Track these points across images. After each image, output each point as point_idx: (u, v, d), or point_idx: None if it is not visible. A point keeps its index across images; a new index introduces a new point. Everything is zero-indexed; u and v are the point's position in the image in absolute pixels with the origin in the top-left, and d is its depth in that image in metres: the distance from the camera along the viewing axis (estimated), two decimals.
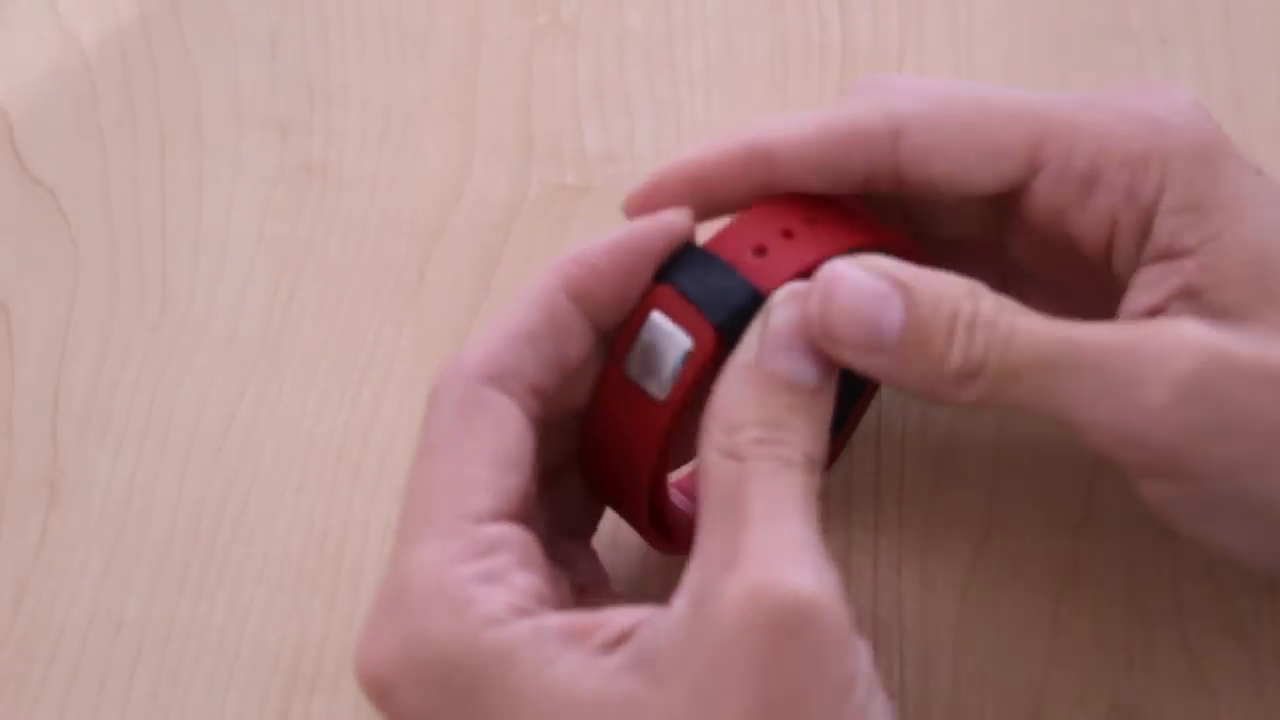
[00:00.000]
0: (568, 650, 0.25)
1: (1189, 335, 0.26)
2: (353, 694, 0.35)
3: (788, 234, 0.29)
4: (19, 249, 0.40)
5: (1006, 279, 0.33)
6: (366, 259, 0.40)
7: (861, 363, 0.27)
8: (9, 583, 0.36)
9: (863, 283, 0.27)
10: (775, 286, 0.28)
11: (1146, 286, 0.28)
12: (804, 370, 0.27)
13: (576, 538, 0.32)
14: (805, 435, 0.27)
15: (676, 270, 0.29)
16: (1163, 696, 0.34)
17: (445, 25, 0.43)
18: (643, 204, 0.30)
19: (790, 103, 0.42)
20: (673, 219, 0.29)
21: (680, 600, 0.25)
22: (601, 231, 0.40)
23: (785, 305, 0.27)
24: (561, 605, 0.27)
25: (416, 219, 0.41)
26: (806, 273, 0.28)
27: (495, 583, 0.26)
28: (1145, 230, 0.29)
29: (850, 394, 0.34)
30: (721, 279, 0.28)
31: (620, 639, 0.26)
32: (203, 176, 0.41)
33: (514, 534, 0.27)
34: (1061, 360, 0.26)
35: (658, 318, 0.28)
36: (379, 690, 0.26)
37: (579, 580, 0.30)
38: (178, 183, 0.41)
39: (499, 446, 0.28)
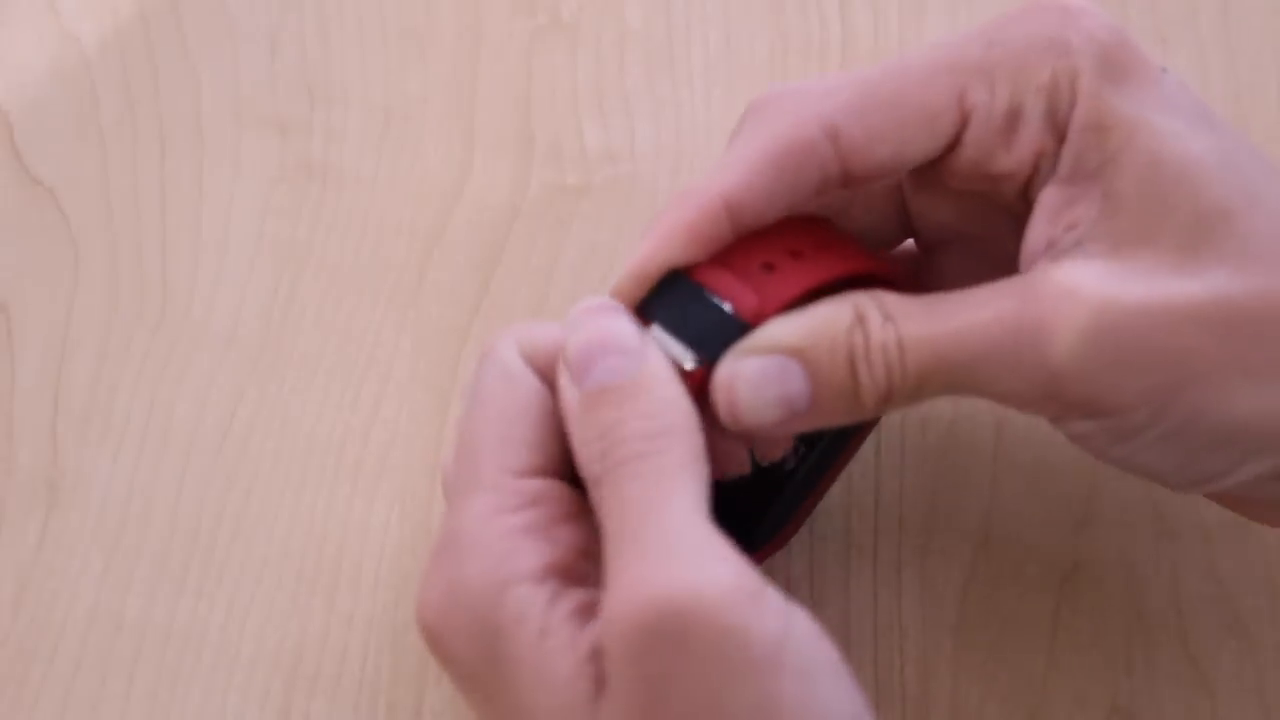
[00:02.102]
0: (567, 626, 0.26)
1: (1073, 287, 0.27)
2: (353, 694, 0.35)
3: (795, 254, 0.29)
4: (19, 249, 0.40)
5: (920, 266, 0.33)
6: (366, 259, 0.40)
7: (784, 431, 0.28)
8: (9, 583, 0.36)
9: (759, 370, 0.27)
10: (781, 306, 0.28)
11: (1047, 216, 0.29)
12: (612, 369, 0.27)
13: None
14: (646, 421, 0.27)
15: (660, 305, 0.29)
16: (1163, 696, 0.34)
17: (445, 25, 0.43)
18: (631, 296, 0.30)
19: None
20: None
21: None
22: (601, 231, 0.40)
23: (573, 334, 0.28)
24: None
25: (416, 219, 0.41)
26: (815, 290, 0.28)
27: (536, 536, 0.27)
28: (1060, 151, 0.29)
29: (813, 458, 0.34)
30: (705, 312, 0.28)
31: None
32: (203, 176, 0.41)
33: (556, 488, 0.28)
34: (956, 354, 0.27)
35: (658, 333, 0.29)
36: (430, 637, 0.28)
37: None
38: (178, 183, 0.41)
39: (544, 405, 0.29)
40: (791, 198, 0.29)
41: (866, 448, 0.36)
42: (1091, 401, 0.27)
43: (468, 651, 0.27)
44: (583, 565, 0.27)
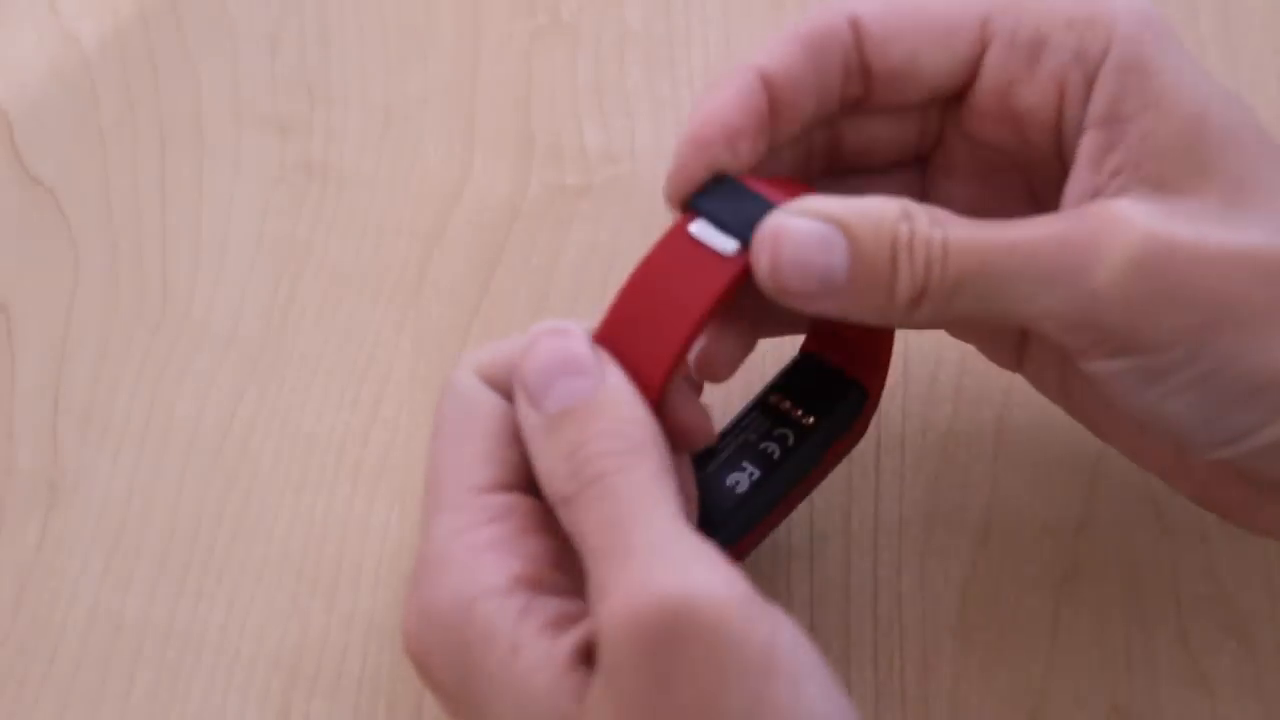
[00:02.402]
0: (541, 639, 0.26)
1: (1125, 216, 0.27)
2: (353, 694, 0.35)
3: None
4: (19, 249, 0.40)
5: (925, 194, 0.33)
6: (366, 259, 0.40)
7: (814, 307, 0.28)
8: (9, 583, 0.36)
9: (805, 231, 0.27)
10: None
11: (1089, 164, 0.29)
12: (571, 391, 0.27)
13: None
14: (613, 439, 0.27)
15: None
16: (1163, 696, 0.34)
17: (445, 25, 0.43)
18: (686, 180, 0.30)
19: None
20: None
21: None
22: (601, 231, 0.40)
23: (528, 357, 0.28)
24: (578, 568, 0.27)
25: (416, 219, 0.41)
26: None
27: (501, 550, 0.27)
28: (1092, 92, 0.29)
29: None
30: (751, 206, 0.29)
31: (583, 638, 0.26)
32: (203, 176, 0.41)
33: (521, 502, 0.28)
34: (1001, 262, 0.27)
35: (702, 226, 0.29)
36: (416, 663, 0.27)
37: None
38: (178, 183, 0.41)
39: (501, 423, 0.28)
40: (820, 80, 0.30)
41: (867, 449, 0.36)
42: (1129, 333, 0.27)
43: (445, 673, 0.27)
44: (553, 576, 0.27)
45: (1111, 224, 0.27)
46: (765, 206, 0.28)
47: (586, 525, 0.26)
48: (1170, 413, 0.28)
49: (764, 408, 0.34)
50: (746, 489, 0.32)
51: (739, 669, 0.24)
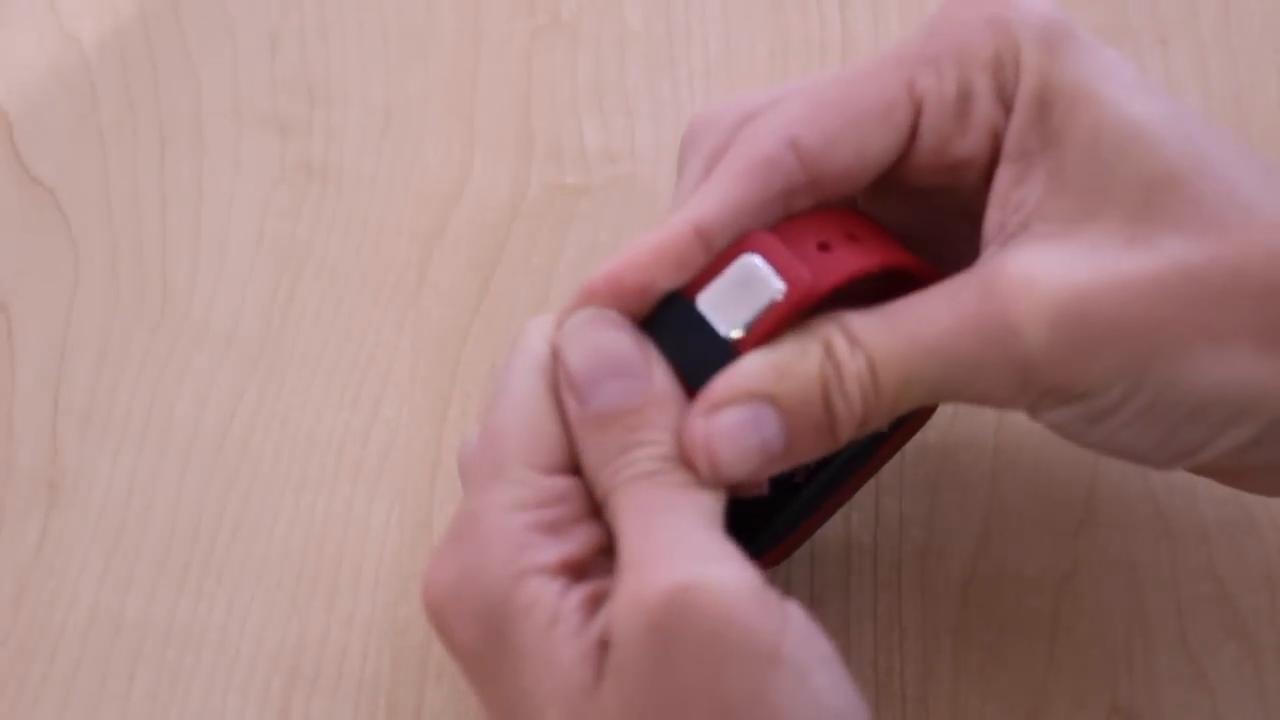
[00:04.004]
0: (576, 614, 0.26)
1: (1028, 277, 0.26)
2: (353, 694, 0.35)
3: (851, 237, 0.29)
4: (19, 249, 0.40)
5: None
6: (366, 259, 0.40)
7: (758, 476, 0.28)
8: (9, 583, 0.36)
9: (734, 423, 0.27)
10: (837, 282, 0.28)
11: (998, 201, 0.28)
12: (620, 391, 0.28)
13: None
14: (656, 445, 0.27)
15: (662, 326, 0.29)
16: (1163, 696, 0.34)
17: (445, 25, 0.43)
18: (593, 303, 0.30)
19: None
20: None
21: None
22: (601, 231, 0.40)
23: (575, 347, 0.28)
24: None
25: (416, 219, 0.41)
26: (865, 274, 0.28)
27: (555, 533, 0.27)
28: (1007, 130, 0.29)
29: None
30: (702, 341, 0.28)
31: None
32: (203, 176, 0.41)
33: (576, 488, 0.28)
34: (926, 368, 0.27)
35: (753, 259, 0.28)
36: (434, 614, 0.28)
37: None
38: (178, 183, 0.41)
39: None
40: (762, 215, 0.29)
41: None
42: (1065, 387, 0.27)
43: (474, 634, 0.27)
44: (599, 561, 0.27)
45: (1017, 291, 0.26)
46: (719, 345, 0.28)
47: (621, 523, 0.27)
48: (1122, 442, 0.28)
49: None
50: (803, 479, 0.32)
51: (742, 655, 0.25)
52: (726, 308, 0.28)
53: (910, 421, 0.33)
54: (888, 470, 0.36)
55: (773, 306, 0.28)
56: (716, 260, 0.28)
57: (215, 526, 0.37)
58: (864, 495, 0.36)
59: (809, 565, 0.36)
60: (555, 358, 0.29)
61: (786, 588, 0.35)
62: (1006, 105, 0.29)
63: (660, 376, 0.28)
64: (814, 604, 0.35)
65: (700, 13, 0.43)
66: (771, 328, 0.27)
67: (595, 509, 0.28)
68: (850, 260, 0.28)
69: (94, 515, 0.37)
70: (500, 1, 0.43)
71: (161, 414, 0.38)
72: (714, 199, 0.29)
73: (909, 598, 0.35)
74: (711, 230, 0.28)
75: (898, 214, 0.31)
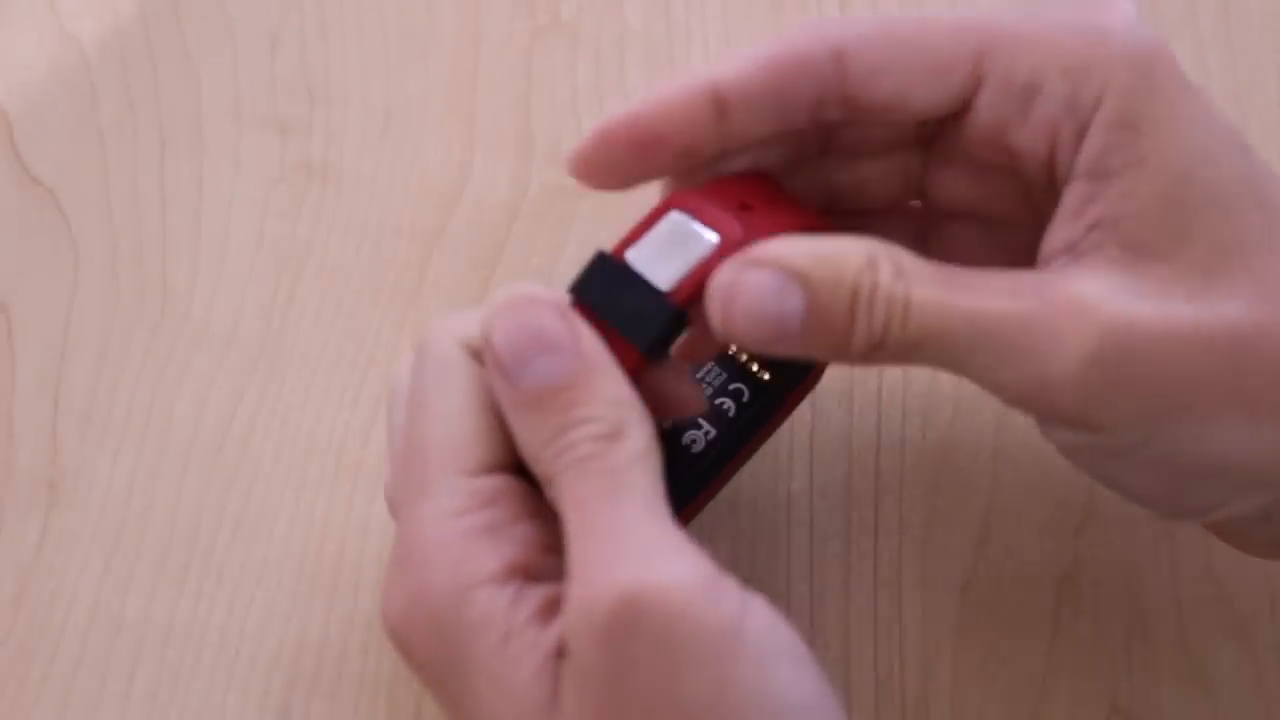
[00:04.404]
0: (530, 628, 0.26)
1: (1089, 304, 0.26)
2: (353, 694, 0.35)
3: (771, 200, 0.29)
4: (19, 249, 0.40)
5: (926, 232, 0.32)
6: (366, 259, 0.40)
7: (767, 351, 0.27)
8: (9, 583, 0.36)
9: (761, 284, 0.27)
10: (766, 236, 0.27)
11: (1069, 215, 0.28)
12: (549, 367, 0.27)
13: None
14: (592, 424, 0.26)
15: (595, 284, 0.28)
16: (1163, 697, 0.34)
17: (445, 25, 0.43)
18: (589, 159, 0.29)
19: None
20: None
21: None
22: (601, 231, 0.40)
23: (498, 327, 0.27)
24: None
25: (416, 219, 0.41)
26: (790, 232, 0.28)
27: (494, 536, 0.27)
28: (1081, 144, 0.28)
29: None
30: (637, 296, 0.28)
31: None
32: (203, 176, 0.41)
33: (511, 485, 0.27)
34: (960, 333, 0.27)
35: (682, 215, 0.28)
36: (396, 641, 0.27)
37: None
38: (178, 183, 0.41)
39: (486, 397, 0.28)
40: (784, 108, 0.29)
41: (867, 449, 0.36)
42: (1083, 416, 0.27)
43: (431, 657, 0.27)
44: (544, 560, 0.27)
45: (1075, 313, 0.26)
46: (654, 297, 0.27)
47: (565, 513, 0.26)
48: (1131, 484, 0.28)
49: (722, 359, 0.33)
50: (703, 447, 0.32)
51: (698, 653, 0.24)
52: (659, 261, 0.28)
53: (805, 383, 0.34)
54: (887, 471, 0.36)
55: (707, 259, 0.27)
56: (641, 222, 0.28)
57: (215, 526, 0.37)
58: (864, 496, 0.36)
59: (809, 565, 0.36)
60: (485, 344, 0.28)
61: (787, 588, 0.35)
62: (1076, 115, 0.28)
63: (590, 348, 0.27)
64: (814, 604, 0.35)
65: (700, 13, 0.43)
66: (706, 279, 0.27)
67: (535, 505, 0.27)
68: (775, 218, 0.28)
69: (94, 515, 0.37)
70: (500, 2, 0.43)
71: (161, 414, 0.38)
72: (742, 70, 0.28)
73: (909, 598, 0.35)
74: (729, 98, 0.28)
75: (957, 186, 0.31)
